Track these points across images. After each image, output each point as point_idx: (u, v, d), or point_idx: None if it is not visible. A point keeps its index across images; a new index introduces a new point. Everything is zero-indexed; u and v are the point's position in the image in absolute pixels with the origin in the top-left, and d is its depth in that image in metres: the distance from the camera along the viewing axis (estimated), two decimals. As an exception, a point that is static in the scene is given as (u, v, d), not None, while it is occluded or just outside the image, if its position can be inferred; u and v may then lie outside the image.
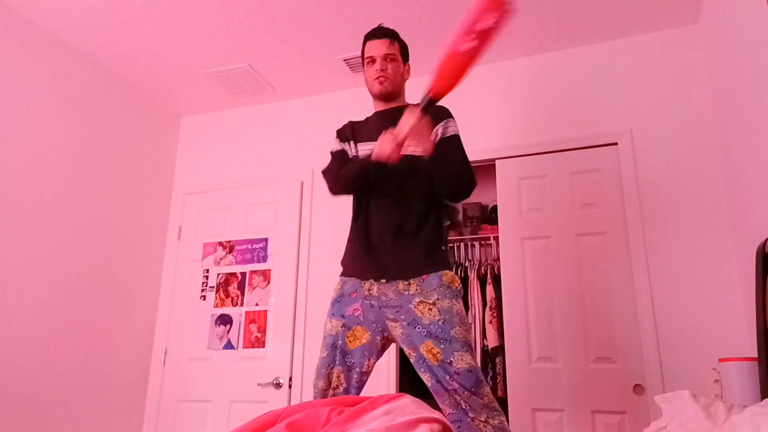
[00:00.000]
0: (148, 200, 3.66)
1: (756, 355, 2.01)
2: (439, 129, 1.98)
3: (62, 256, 3.02)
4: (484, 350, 3.36)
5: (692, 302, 2.62)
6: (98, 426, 3.13)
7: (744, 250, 2.43)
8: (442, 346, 1.78)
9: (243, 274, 3.48)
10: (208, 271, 3.58)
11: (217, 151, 3.85)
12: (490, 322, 3.35)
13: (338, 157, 2.10)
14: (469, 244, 3.87)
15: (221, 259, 3.57)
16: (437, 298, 1.84)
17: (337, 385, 1.87)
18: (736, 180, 2.49)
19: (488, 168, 3.27)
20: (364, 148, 2.06)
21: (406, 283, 1.88)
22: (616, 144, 2.95)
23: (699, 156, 2.78)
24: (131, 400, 3.38)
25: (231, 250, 3.56)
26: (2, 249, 2.71)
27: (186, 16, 2.92)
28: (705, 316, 2.59)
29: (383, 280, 1.90)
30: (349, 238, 2.06)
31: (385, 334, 1.91)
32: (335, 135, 2.16)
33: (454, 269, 3.64)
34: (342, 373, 1.87)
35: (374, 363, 1.92)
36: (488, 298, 3.45)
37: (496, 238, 3.49)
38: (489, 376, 3.36)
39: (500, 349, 3.24)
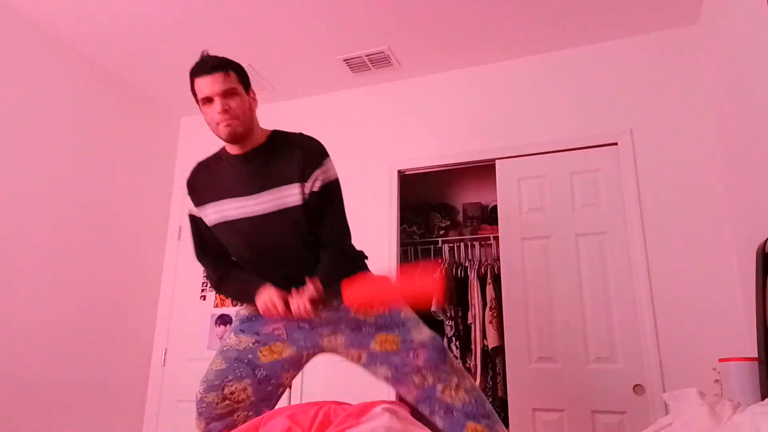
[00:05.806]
0: (148, 200, 3.65)
1: (756, 355, 2.01)
2: (317, 174, 1.76)
3: (62, 256, 3.02)
4: (484, 350, 3.35)
5: (692, 302, 2.62)
6: (98, 426, 3.13)
7: (744, 250, 2.43)
8: (397, 330, 1.75)
9: (243, 274, 3.48)
10: (208, 271, 3.57)
11: (217, 151, 3.84)
12: (490, 322, 3.35)
13: (196, 227, 1.87)
14: (469, 244, 3.86)
15: (221, 259, 3.56)
16: None
17: (243, 399, 1.77)
18: (736, 180, 2.49)
19: (488, 168, 3.27)
20: (219, 209, 1.79)
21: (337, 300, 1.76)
22: (616, 144, 2.94)
23: (699, 156, 2.78)
24: (131, 400, 3.37)
25: (231, 250, 3.55)
26: (2, 249, 2.71)
27: (186, 16, 2.91)
28: (705, 316, 2.59)
29: None
30: (234, 275, 1.85)
31: (313, 351, 1.84)
32: (187, 189, 1.90)
33: (454, 269, 3.68)
34: (250, 386, 1.78)
35: (294, 375, 1.87)
36: (488, 298, 3.44)
37: (496, 238, 3.49)
38: (489, 376, 3.35)
39: (500, 349, 3.24)
